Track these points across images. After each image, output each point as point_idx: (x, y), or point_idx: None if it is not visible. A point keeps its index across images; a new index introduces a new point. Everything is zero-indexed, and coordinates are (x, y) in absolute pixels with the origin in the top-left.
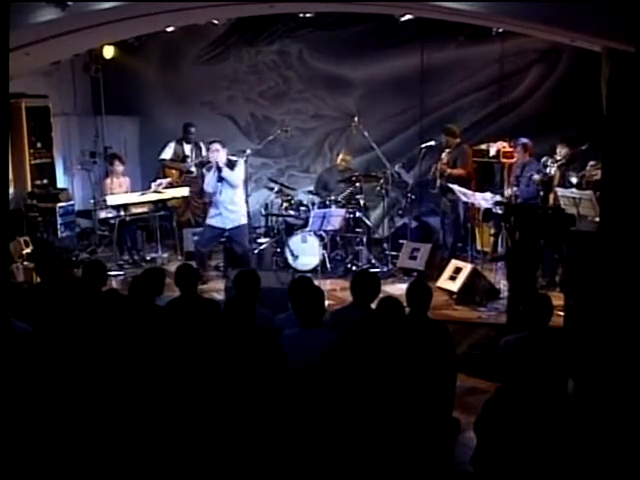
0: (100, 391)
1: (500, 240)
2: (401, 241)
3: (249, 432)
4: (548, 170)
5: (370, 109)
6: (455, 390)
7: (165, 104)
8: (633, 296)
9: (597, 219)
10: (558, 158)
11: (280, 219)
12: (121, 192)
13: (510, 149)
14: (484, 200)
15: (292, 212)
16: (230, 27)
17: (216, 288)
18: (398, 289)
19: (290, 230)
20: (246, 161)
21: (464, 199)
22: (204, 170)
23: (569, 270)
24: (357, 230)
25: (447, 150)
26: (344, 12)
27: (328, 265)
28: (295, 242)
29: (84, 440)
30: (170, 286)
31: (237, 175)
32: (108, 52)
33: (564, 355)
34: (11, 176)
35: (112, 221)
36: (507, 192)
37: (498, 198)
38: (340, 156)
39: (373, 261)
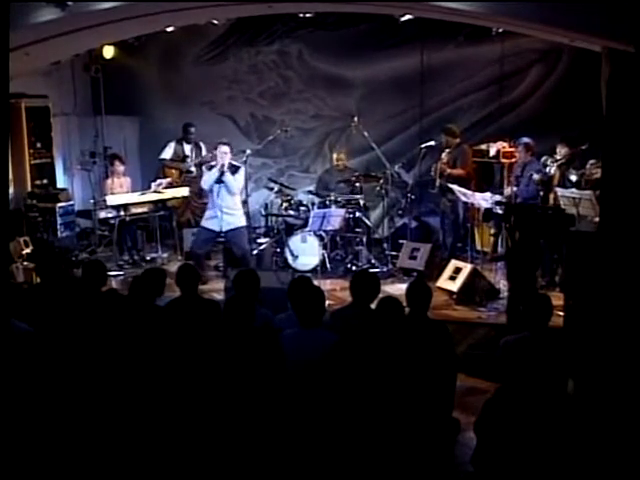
0: (100, 391)
1: (500, 240)
2: (401, 241)
3: (249, 432)
4: (548, 170)
5: (370, 109)
6: (455, 390)
7: (165, 104)
8: (633, 296)
9: (597, 219)
10: (558, 158)
11: (280, 219)
12: (122, 192)
13: (510, 149)
14: (484, 200)
15: (292, 212)
16: (230, 27)
17: (216, 288)
18: (398, 289)
19: (290, 230)
20: (245, 161)
21: (464, 199)
22: (203, 168)
23: (569, 270)
24: (357, 230)
25: (447, 150)
26: (344, 12)
27: (328, 265)
28: (295, 242)
29: (84, 440)
30: (170, 286)
31: (238, 182)
32: (108, 52)
33: (564, 355)
34: (11, 176)
35: (112, 221)
36: (507, 191)
37: (498, 198)
38: (335, 155)
39: (373, 261)
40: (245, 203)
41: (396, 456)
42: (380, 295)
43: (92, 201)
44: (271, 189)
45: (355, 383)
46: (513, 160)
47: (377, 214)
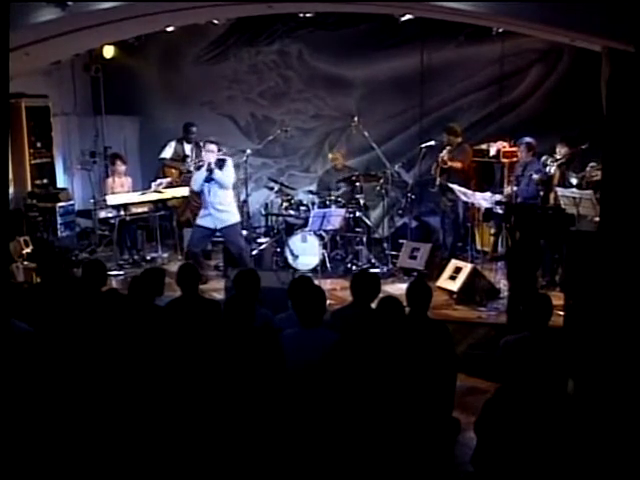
0: (100, 391)
1: (500, 240)
2: (401, 241)
3: (249, 431)
4: (548, 169)
5: (370, 109)
6: (455, 390)
7: (165, 104)
8: (633, 296)
9: (597, 219)
10: (558, 157)
11: (280, 219)
12: (122, 192)
13: (510, 149)
14: (484, 200)
15: (292, 212)
16: (230, 27)
17: (216, 288)
18: (398, 289)
19: (290, 230)
20: (246, 161)
21: (464, 199)
22: (192, 169)
23: (569, 270)
24: (357, 230)
25: (448, 148)
26: (344, 12)
27: (328, 265)
28: (295, 242)
29: (84, 440)
30: (170, 286)
31: (227, 175)
32: (108, 52)
33: (564, 355)
34: (11, 176)
35: (112, 221)
36: (507, 191)
37: (498, 198)
38: (330, 155)
39: (373, 261)
40: (245, 202)
41: (396, 456)
42: (380, 295)
43: (92, 201)
44: (271, 189)
45: (355, 383)
46: (513, 160)
47: (377, 214)
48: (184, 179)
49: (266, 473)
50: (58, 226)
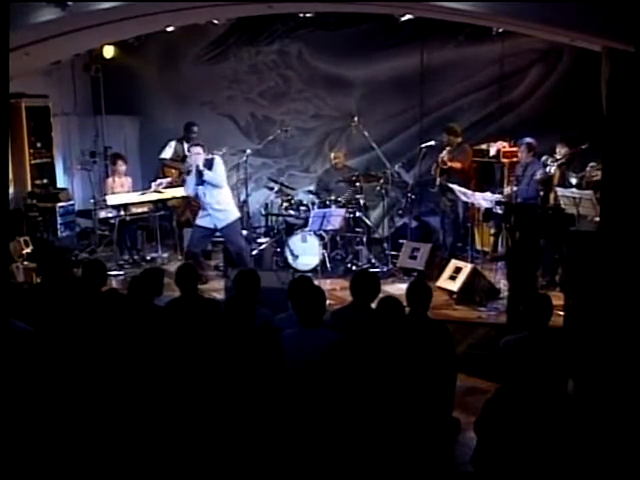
0: (100, 391)
1: (500, 240)
2: (401, 241)
3: (249, 431)
4: (548, 169)
5: (370, 109)
6: (455, 390)
7: (165, 104)
8: (633, 296)
9: (597, 219)
10: (558, 157)
11: (280, 219)
12: (123, 192)
13: (510, 149)
14: (484, 200)
15: (292, 212)
16: (230, 27)
17: (216, 288)
18: (398, 289)
19: (290, 230)
20: (246, 161)
21: (464, 199)
22: (184, 174)
23: (569, 270)
24: (357, 230)
25: (448, 148)
26: (344, 12)
27: (328, 265)
28: (295, 242)
29: (84, 440)
30: (169, 286)
31: (218, 174)
32: (108, 52)
33: (564, 355)
34: (11, 176)
35: (112, 221)
36: (507, 191)
37: (498, 198)
38: (332, 154)
39: (373, 261)
40: (245, 202)
41: (396, 456)
42: (380, 295)
43: (92, 201)
44: (271, 189)
45: (355, 383)
46: (513, 160)
47: (377, 214)
48: (184, 179)
49: (266, 473)
50: (58, 226)
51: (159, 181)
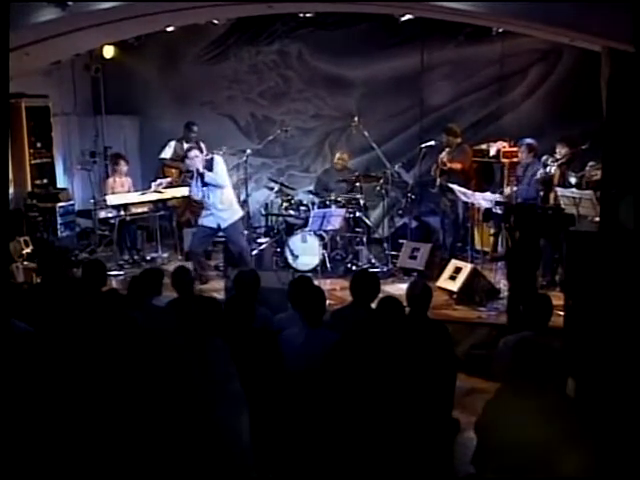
0: (100, 391)
1: (500, 240)
2: (401, 241)
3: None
4: (548, 169)
5: (370, 109)
6: (455, 390)
7: (165, 104)
8: (633, 296)
9: (597, 219)
10: (558, 157)
11: (280, 219)
12: (123, 192)
13: (510, 149)
14: (484, 200)
15: (292, 212)
16: (230, 27)
17: (216, 288)
18: (398, 289)
19: (290, 230)
20: (246, 161)
21: (464, 199)
22: (187, 178)
23: (569, 270)
24: (357, 230)
25: (448, 149)
26: (344, 12)
27: (328, 265)
28: (295, 242)
29: (84, 439)
30: (169, 286)
31: (219, 174)
32: (108, 52)
33: (564, 355)
34: (11, 176)
35: (112, 221)
36: (507, 191)
37: (498, 198)
38: (337, 155)
39: (373, 261)
40: (245, 202)
41: (396, 456)
42: (380, 295)
43: (92, 201)
44: (271, 189)
45: (355, 383)
46: (513, 160)
47: (377, 214)
48: (184, 179)
49: (265, 472)
50: (58, 226)
51: (159, 181)
